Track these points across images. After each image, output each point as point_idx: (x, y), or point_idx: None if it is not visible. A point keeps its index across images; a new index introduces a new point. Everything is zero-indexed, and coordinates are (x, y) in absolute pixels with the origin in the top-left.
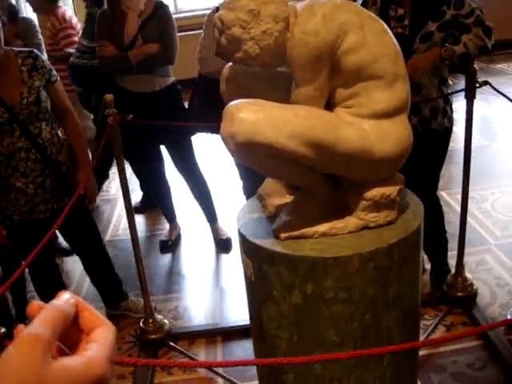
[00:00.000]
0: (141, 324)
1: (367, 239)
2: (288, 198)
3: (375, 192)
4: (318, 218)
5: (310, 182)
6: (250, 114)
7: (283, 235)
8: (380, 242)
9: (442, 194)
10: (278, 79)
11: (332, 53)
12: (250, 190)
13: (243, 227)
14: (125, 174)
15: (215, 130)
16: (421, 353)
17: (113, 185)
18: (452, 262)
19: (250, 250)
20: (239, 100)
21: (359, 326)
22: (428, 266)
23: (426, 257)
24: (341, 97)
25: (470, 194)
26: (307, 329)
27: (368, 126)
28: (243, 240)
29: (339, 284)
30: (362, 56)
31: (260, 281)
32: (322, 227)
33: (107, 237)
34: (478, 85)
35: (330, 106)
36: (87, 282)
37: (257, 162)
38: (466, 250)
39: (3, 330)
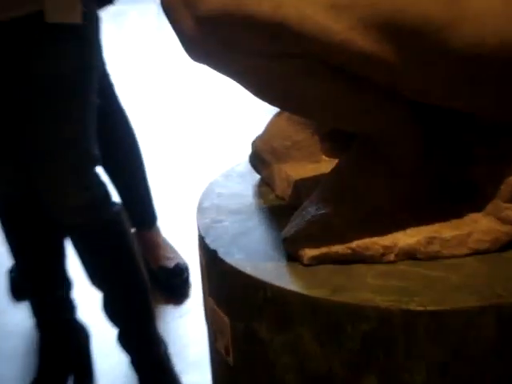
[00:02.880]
0: None
1: None
2: (325, 165)
3: None
4: (398, 215)
5: (381, 125)
6: None
7: (310, 253)
8: None
9: None
10: None
11: None
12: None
13: (212, 231)
14: None
15: None
16: None
17: None
18: None
19: (228, 289)
20: None
21: None
22: None
23: None
24: None
25: None
26: None
27: None
28: (211, 263)
29: (447, 378)
30: None
31: (249, 364)
32: (407, 237)
33: None
34: None
35: None
36: None
37: (248, 67)
38: None
39: None
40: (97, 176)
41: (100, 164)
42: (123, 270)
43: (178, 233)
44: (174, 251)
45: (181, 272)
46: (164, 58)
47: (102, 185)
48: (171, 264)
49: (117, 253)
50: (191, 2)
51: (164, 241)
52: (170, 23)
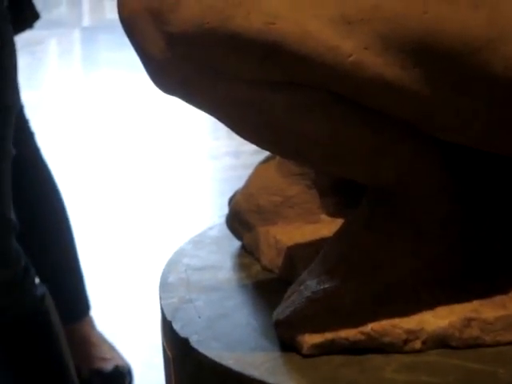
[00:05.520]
0: None
1: None
2: (326, 226)
3: None
4: (425, 291)
5: (402, 176)
6: None
7: (311, 340)
8: None
9: None
10: None
11: None
12: None
13: (181, 314)
14: None
15: None
16: None
17: None
18: None
19: None
20: None
21: None
22: None
23: None
24: None
25: None
26: None
27: None
28: (181, 355)
29: None
30: None
31: None
32: (437, 318)
33: None
34: None
35: None
36: None
37: (231, 97)
38: None
39: None
40: (14, 248)
41: (17, 232)
42: (46, 378)
43: (120, 322)
44: (113, 349)
45: (121, 377)
46: (95, 95)
47: (22, 259)
48: (108, 367)
49: (38, 354)
50: (161, 15)
51: (99, 336)
52: (133, 44)
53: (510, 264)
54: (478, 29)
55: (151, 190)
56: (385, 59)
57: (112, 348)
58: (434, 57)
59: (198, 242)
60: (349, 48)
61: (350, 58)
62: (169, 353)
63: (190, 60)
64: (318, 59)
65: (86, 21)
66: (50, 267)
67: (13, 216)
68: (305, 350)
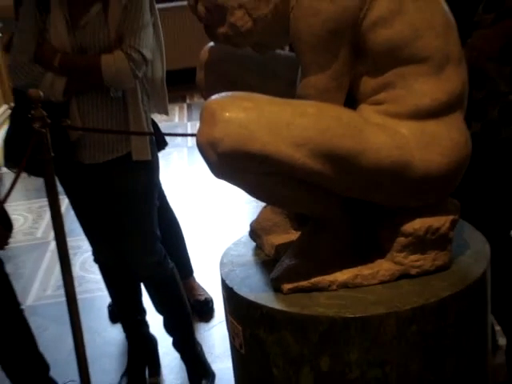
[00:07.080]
0: None
1: (408, 292)
2: (293, 235)
3: (418, 224)
4: (337, 262)
5: (325, 211)
6: (238, 113)
7: (287, 286)
8: (427, 295)
9: None
10: (279, 65)
11: (355, 25)
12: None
13: (229, 276)
14: (58, 206)
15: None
16: None
17: (41, 224)
18: None
19: (239, 309)
20: (223, 94)
21: None
22: (503, 341)
23: (499, 328)
24: (367, 89)
25: None
26: None
27: (406, 129)
28: (229, 294)
29: (368, 357)
30: (397, 30)
31: (254, 354)
32: (342, 275)
33: (29, 300)
34: None
35: (352, 102)
36: None
37: (248, 181)
38: None
39: None
40: (160, 246)
41: (160, 239)
42: (176, 304)
43: (206, 279)
44: (204, 290)
45: (208, 303)
46: (194, 179)
47: (163, 252)
48: (202, 298)
49: (172, 293)
50: (214, 144)
51: (198, 285)
52: (202, 156)
53: (374, 250)
54: (354, 145)
55: (217, 220)
56: (314, 161)
57: (203, 290)
58: (335, 159)
59: (236, 243)
60: (298, 156)
61: (299, 161)
62: (224, 294)
63: (227, 164)
64: (284, 162)
65: (189, 143)
66: (174, 254)
67: (158, 232)
68: (285, 291)
